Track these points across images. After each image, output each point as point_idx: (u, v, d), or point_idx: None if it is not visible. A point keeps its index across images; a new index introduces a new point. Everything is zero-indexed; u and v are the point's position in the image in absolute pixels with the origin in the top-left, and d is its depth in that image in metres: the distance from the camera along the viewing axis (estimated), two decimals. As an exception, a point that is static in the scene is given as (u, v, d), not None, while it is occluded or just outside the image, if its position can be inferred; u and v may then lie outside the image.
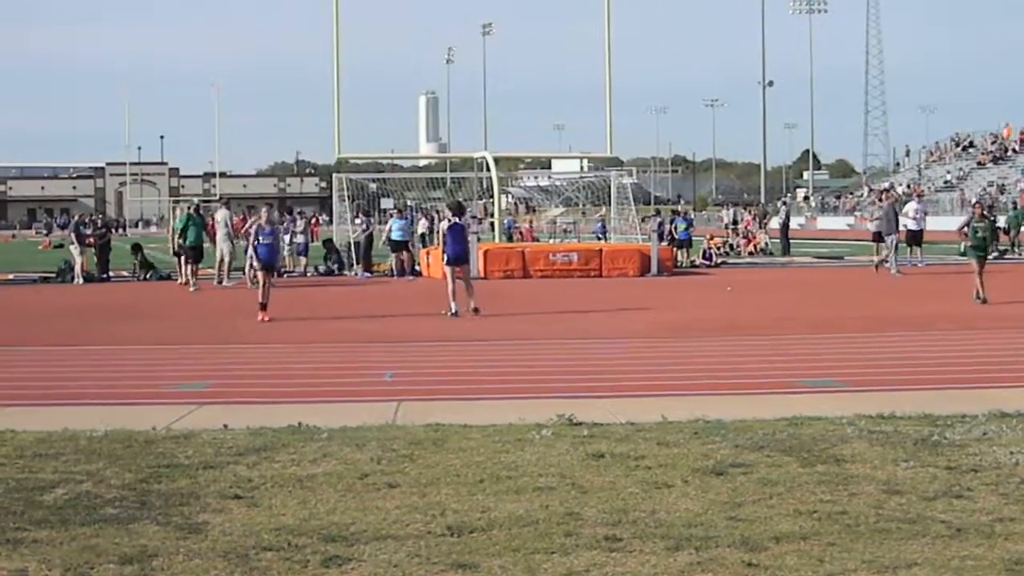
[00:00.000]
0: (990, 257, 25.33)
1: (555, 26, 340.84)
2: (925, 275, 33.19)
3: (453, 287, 22.08)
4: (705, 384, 13.77)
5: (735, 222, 53.17)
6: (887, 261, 33.90)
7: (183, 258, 31.73)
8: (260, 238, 22.18)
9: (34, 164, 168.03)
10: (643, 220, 43.47)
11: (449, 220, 23.21)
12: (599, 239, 43.27)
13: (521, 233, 50.51)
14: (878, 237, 38.40)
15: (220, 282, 31.70)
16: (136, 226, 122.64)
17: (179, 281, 32.07)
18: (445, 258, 22.63)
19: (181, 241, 31.40)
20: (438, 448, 9.94)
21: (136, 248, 36.79)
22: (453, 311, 21.86)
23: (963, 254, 24.75)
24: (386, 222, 39.20)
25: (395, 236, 36.11)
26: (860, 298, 26.26)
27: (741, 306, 24.45)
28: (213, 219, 34.38)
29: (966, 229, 23.97)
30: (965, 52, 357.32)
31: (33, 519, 7.78)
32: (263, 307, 21.76)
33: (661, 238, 38.72)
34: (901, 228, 38.43)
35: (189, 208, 32.88)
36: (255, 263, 22.59)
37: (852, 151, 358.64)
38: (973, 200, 36.85)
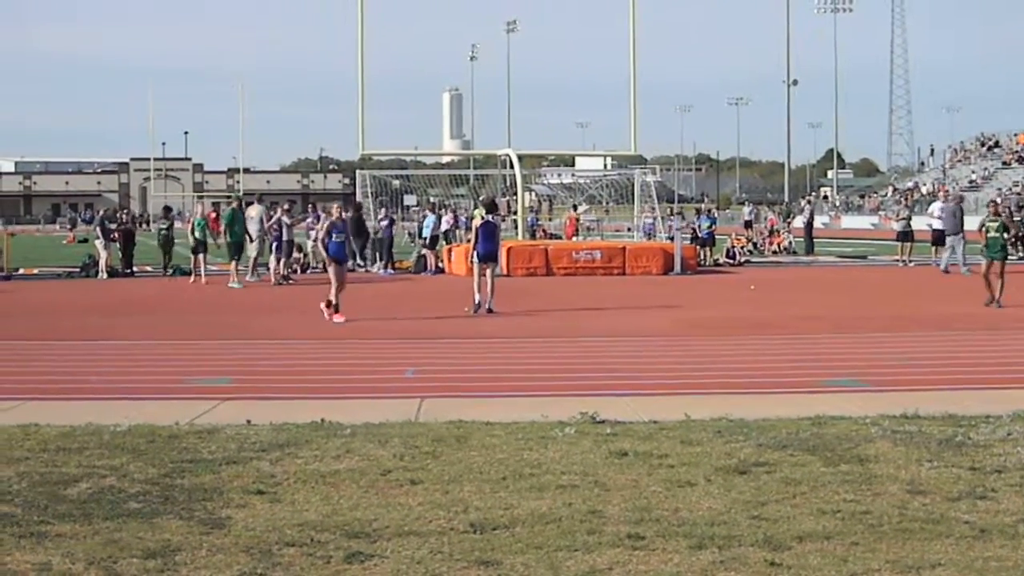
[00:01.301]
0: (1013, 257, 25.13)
1: (579, 24, 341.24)
2: (950, 274, 33.01)
3: (479, 281, 22.05)
4: (728, 383, 13.74)
5: (756, 220, 52.91)
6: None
7: (202, 256, 31.55)
8: (333, 234, 21.61)
9: (59, 159, 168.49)
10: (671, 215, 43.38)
11: (483, 217, 23.11)
12: (649, 237, 42.81)
13: (545, 230, 50.37)
14: (903, 237, 38.32)
15: (248, 277, 31.70)
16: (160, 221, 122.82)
17: (191, 279, 31.41)
18: (476, 254, 22.48)
19: (228, 238, 31.02)
20: (461, 445, 9.94)
21: (167, 241, 36.52)
22: (476, 303, 21.85)
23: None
24: (412, 219, 39.33)
25: (426, 232, 36.26)
26: (884, 297, 26.18)
27: (765, 305, 24.38)
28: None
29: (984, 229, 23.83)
30: (990, 52, 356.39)
31: (57, 513, 7.82)
32: (334, 306, 20.81)
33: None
34: (926, 227, 38.34)
35: (232, 203, 32.66)
36: (325, 260, 21.88)
37: (876, 150, 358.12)
38: (999, 199, 36.63)
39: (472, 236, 23.26)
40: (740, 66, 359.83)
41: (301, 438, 10.25)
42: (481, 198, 29.67)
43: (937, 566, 6.67)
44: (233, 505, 8.07)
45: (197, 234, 31.43)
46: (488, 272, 22.21)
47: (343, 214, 22.84)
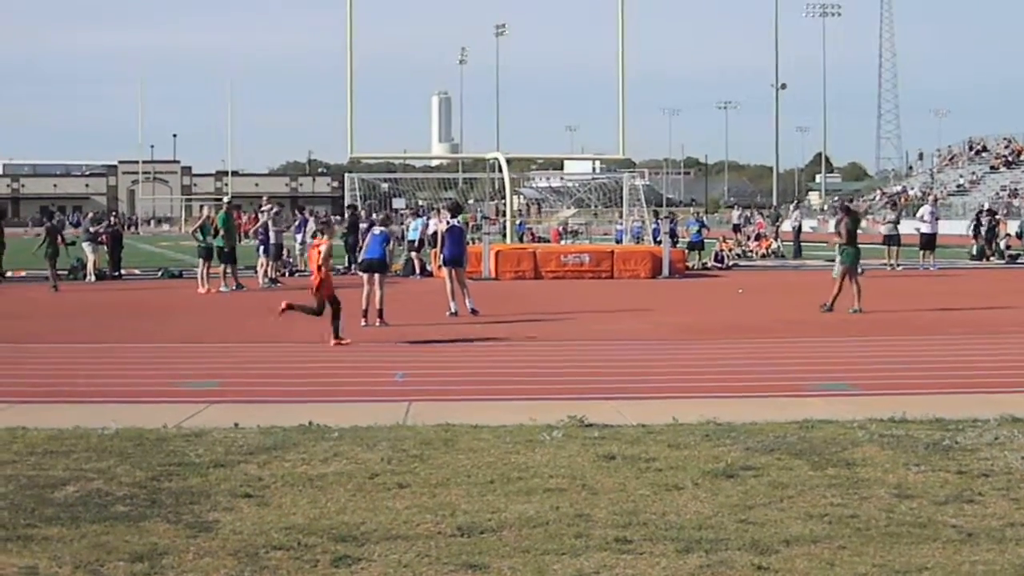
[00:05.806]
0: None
1: (569, 28, 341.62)
2: (937, 278, 33.10)
3: (452, 287, 22.10)
4: (716, 386, 13.75)
5: (745, 223, 52.93)
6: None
7: (213, 260, 30.25)
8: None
9: (47, 162, 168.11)
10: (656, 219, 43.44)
11: (448, 222, 23.06)
12: (638, 240, 42.82)
13: (534, 234, 50.43)
14: (889, 240, 38.37)
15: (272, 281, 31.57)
16: (148, 223, 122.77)
17: (200, 289, 29.35)
18: (442, 259, 22.62)
19: (223, 243, 29.91)
20: (448, 448, 9.94)
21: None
22: (453, 311, 21.87)
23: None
24: (401, 222, 39.20)
25: (411, 236, 36.17)
26: (871, 301, 26.20)
27: (753, 308, 24.41)
28: (253, 217, 33.64)
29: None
30: (979, 55, 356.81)
31: (44, 516, 7.80)
32: (377, 313, 20.60)
33: (672, 238, 38.77)
34: (914, 231, 38.45)
35: (226, 207, 31.76)
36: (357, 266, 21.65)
37: (865, 154, 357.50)
38: (985, 205, 36.89)
39: (439, 242, 23.30)
40: (728, 70, 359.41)
41: (289, 441, 10.24)
42: (446, 203, 28.97)
43: (924, 570, 6.69)
44: (220, 508, 8.06)
45: (209, 238, 30.00)
46: (456, 276, 22.20)
47: (384, 219, 22.74)
